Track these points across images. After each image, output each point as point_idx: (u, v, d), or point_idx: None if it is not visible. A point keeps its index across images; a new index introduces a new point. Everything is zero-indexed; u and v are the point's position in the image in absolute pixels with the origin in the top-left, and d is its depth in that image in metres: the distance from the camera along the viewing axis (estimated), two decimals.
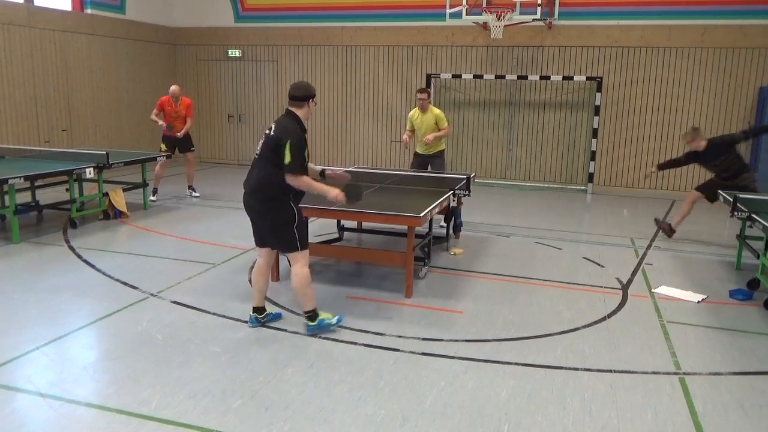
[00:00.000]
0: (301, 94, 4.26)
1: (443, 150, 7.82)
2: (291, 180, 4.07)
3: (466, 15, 10.33)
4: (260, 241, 4.49)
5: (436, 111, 7.55)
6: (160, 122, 9.06)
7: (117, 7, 11.94)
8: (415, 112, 7.68)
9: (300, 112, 4.27)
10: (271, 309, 4.71)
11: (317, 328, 4.39)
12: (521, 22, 10.42)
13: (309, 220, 6.47)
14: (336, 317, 4.49)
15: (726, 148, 7.09)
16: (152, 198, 9.14)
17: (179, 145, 9.30)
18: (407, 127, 7.83)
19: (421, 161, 7.81)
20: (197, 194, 9.70)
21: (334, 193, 4.21)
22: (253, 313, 4.55)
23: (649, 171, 7.84)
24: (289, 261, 4.43)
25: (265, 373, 3.80)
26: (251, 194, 4.27)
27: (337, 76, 12.56)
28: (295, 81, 4.51)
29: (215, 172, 12.45)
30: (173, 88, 9.17)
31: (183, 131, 9.15)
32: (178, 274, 5.72)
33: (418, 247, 5.66)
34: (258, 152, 4.27)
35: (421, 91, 7.56)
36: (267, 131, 4.27)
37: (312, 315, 4.38)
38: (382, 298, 5.23)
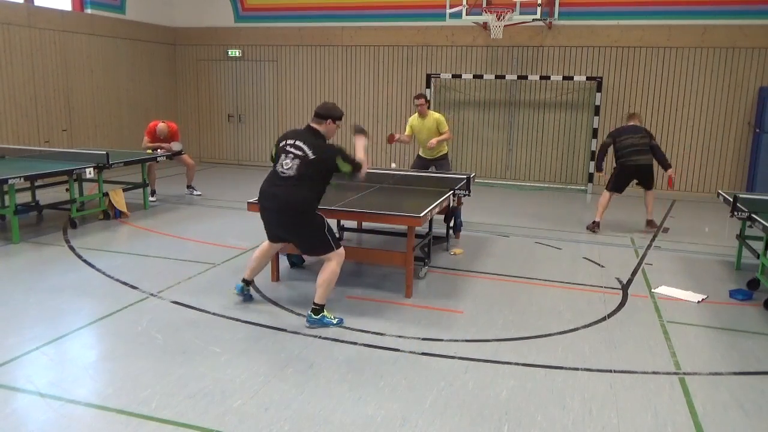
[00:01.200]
0: (323, 113, 4.51)
1: (446, 153, 7.84)
2: (362, 175, 4.57)
3: (466, 15, 10.33)
4: (277, 238, 4.75)
5: (436, 115, 7.56)
6: (160, 151, 9.12)
7: (117, 7, 11.95)
8: (414, 118, 7.69)
9: (321, 129, 4.51)
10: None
11: (318, 323, 4.48)
12: (521, 22, 10.42)
13: None
14: (338, 319, 4.56)
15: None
16: (152, 199, 9.14)
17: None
18: (406, 132, 7.83)
19: (423, 164, 7.82)
20: (198, 192, 9.70)
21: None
22: (242, 282, 4.91)
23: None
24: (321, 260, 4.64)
25: (265, 373, 3.80)
26: (284, 212, 4.42)
27: (337, 76, 12.57)
28: (325, 101, 4.92)
29: (215, 172, 12.45)
30: (160, 126, 9.17)
31: (169, 150, 9.16)
32: (178, 274, 5.72)
33: (418, 247, 5.66)
34: (289, 172, 4.37)
35: (418, 96, 7.57)
36: (293, 150, 4.40)
37: (318, 309, 4.49)
38: (382, 298, 5.23)
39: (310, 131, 4.50)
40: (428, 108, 7.71)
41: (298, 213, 4.39)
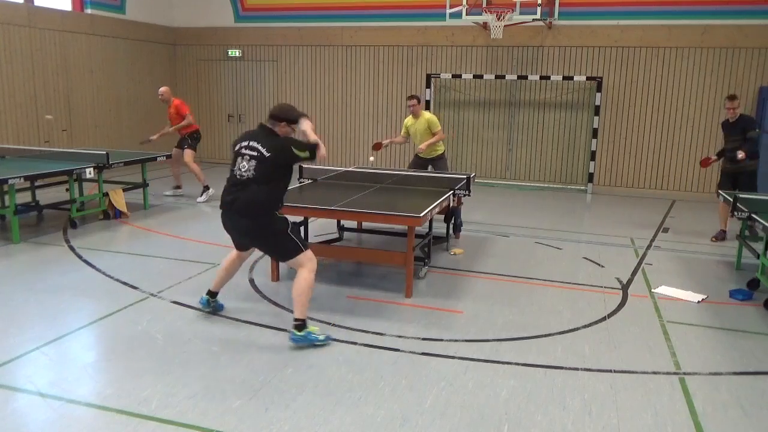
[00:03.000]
0: (277, 113, 4.33)
1: (443, 153, 7.85)
2: (319, 158, 4.35)
3: (466, 15, 10.33)
4: (244, 246, 4.58)
5: (428, 115, 7.59)
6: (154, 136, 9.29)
7: (117, 7, 11.95)
8: (409, 119, 7.74)
9: (276, 131, 4.31)
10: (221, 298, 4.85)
11: (303, 340, 4.17)
12: (521, 22, 10.42)
13: (309, 220, 6.50)
14: (324, 335, 4.26)
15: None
16: (167, 193, 9.46)
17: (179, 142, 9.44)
18: (401, 133, 7.88)
19: (420, 162, 7.83)
20: (168, 193, 9.68)
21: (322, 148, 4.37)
22: (207, 295, 4.70)
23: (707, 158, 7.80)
24: (291, 268, 4.38)
25: (265, 373, 3.80)
26: (245, 216, 4.18)
27: (337, 76, 12.57)
28: (283, 102, 4.73)
29: (215, 173, 12.44)
30: (160, 90, 9.29)
31: (172, 128, 9.24)
32: (178, 274, 5.72)
33: (418, 247, 5.66)
34: (247, 174, 4.14)
35: (410, 97, 7.63)
36: (249, 151, 4.17)
37: (301, 325, 4.17)
38: (382, 298, 5.23)
39: (264, 130, 4.29)
40: (424, 108, 7.73)
41: (259, 215, 4.16)
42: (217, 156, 13.77)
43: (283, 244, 4.24)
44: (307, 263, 4.24)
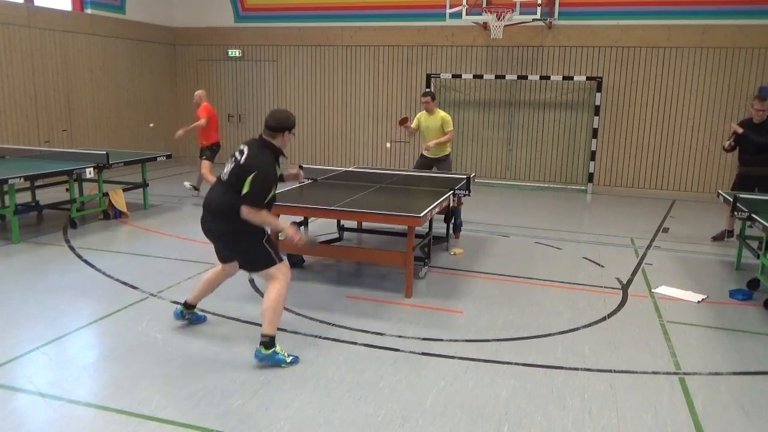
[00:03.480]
0: (275, 124, 3.91)
1: (449, 154, 7.86)
2: (245, 212, 3.75)
3: (466, 15, 10.34)
4: (224, 258, 4.31)
5: (442, 114, 7.61)
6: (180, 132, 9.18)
7: (117, 7, 11.95)
8: (423, 114, 7.74)
9: (275, 142, 3.94)
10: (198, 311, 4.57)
11: (269, 359, 3.86)
12: (521, 22, 10.42)
13: (309, 220, 6.50)
14: (292, 357, 3.93)
15: None
16: (189, 187, 9.62)
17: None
18: (413, 124, 7.87)
19: (426, 162, 7.86)
20: (187, 185, 9.74)
21: (293, 230, 3.92)
22: (181, 305, 4.47)
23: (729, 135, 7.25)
24: (265, 279, 4.05)
25: (265, 373, 3.80)
26: (213, 219, 3.99)
27: (337, 76, 12.56)
28: (275, 108, 4.19)
29: (215, 172, 12.43)
30: (196, 93, 9.23)
31: (181, 130, 9.08)
32: (178, 274, 5.72)
33: (418, 247, 5.66)
34: (225, 177, 3.95)
35: (424, 94, 7.65)
36: (237, 154, 3.94)
37: (268, 342, 3.85)
38: (382, 298, 5.23)
39: (260, 142, 3.95)
40: (435, 106, 7.73)
41: (228, 219, 3.86)
42: (218, 156, 13.72)
43: (253, 253, 3.95)
44: (279, 276, 3.93)
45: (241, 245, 3.99)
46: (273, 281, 3.93)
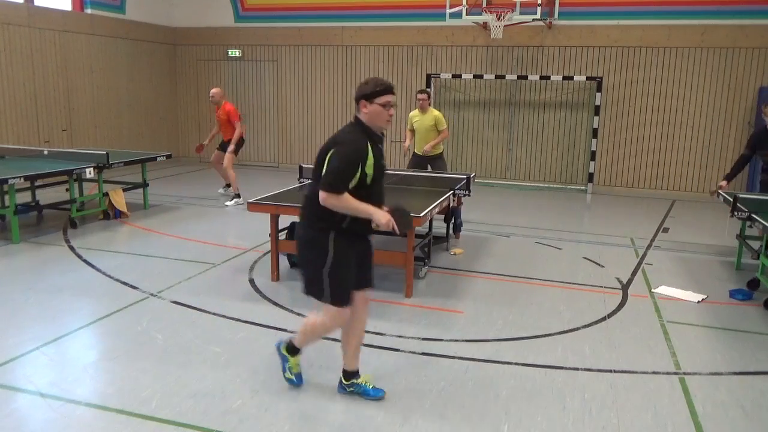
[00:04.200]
0: (355, 95, 3.27)
1: (442, 152, 7.85)
2: (323, 198, 3.09)
3: (466, 15, 10.34)
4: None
5: (436, 113, 7.57)
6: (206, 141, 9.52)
7: (117, 7, 11.95)
8: (415, 113, 7.72)
9: (362, 117, 3.24)
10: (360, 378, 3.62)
11: (280, 357, 3.63)
12: (521, 22, 10.42)
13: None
14: (296, 377, 3.61)
15: None
16: (221, 191, 9.71)
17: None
18: (407, 127, 7.86)
19: (419, 161, 7.82)
20: (221, 190, 9.78)
21: (385, 219, 3.17)
22: (342, 376, 3.59)
23: (715, 188, 6.97)
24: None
25: (265, 373, 3.80)
26: (298, 224, 3.44)
27: (337, 76, 12.56)
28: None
29: (215, 173, 12.43)
30: (211, 91, 9.28)
31: (232, 147, 9.16)
32: (178, 274, 5.72)
33: (418, 247, 5.66)
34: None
35: (420, 91, 7.63)
36: None
37: (292, 349, 3.56)
38: (382, 298, 5.23)
39: (354, 121, 3.30)
40: (429, 105, 7.72)
41: (302, 218, 3.36)
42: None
43: (311, 275, 3.31)
44: (329, 316, 3.32)
45: (304, 260, 3.35)
46: (322, 314, 3.36)
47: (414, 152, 7.88)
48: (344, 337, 3.56)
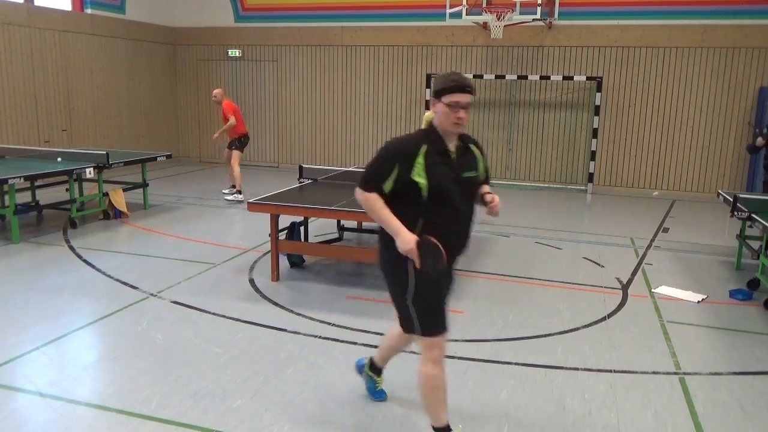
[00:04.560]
0: (431, 92, 2.82)
1: None
2: (357, 192, 2.79)
3: (466, 15, 10.34)
4: None
5: None
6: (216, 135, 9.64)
7: (117, 7, 11.95)
8: (430, 114, 7.73)
9: (435, 118, 2.79)
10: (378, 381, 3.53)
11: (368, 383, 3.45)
12: (521, 22, 10.42)
13: (309, 220, 6.49)
14: (378, 393, 3.44)
15: None
16: (225, 191, 9.71)
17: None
18: (422, 126, 7.86)
19: None
20: (225, 191, 9.79)
21: (407, 245, 2.64)
22: (369, 361, 3.49)
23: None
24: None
25: (265, 373, 3.80)
26: None
27: (337, 76, 12.56)
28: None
29: (216, 172, 12.44)
30: (213, 91, 9.54)
31: (217, 133, 9.48)
32: (178, 274, 5.72)
33: None
34: None
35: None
36: None
37: (375, 369, 3.35)
38: (382, 298, 5.22)
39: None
40: (425, 108, 7.75)
41: (381, 237, 2.88)
42: (218, 156, 13.74)
43: (397, 299, 2.90)
44: (426, 350, 2.86)
45: (385, 279, 2.91)
46: (422, 358, 2.87)
47: None
48: (390, 336, 3.28)
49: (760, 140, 6.92)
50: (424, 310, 2.80)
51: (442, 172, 2.70)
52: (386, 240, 2.78)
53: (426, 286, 2.77)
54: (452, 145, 2.77)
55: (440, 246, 2.65)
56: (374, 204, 2.72)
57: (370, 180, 2.73)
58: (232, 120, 9.22)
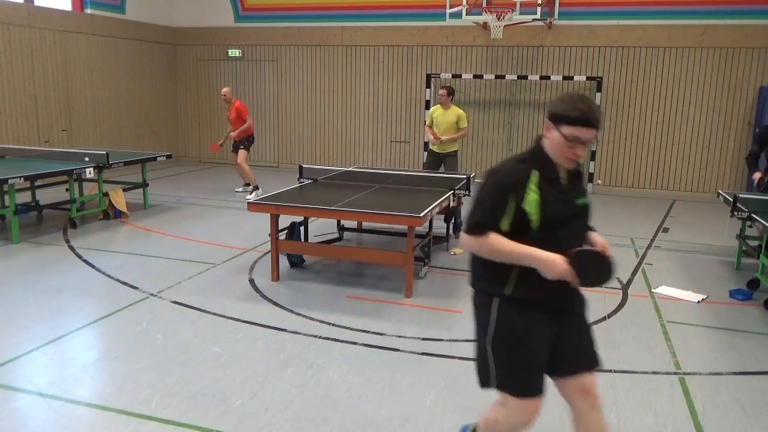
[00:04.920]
0: (548, 112, 2.39)
1: (457, 150, 8.06)
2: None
3: (466, 15, 10.33)
4: None
5: (459, 111, 7.85)
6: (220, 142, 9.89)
7: (117, 7, 11.95)
8: (436, 109, 7.87)
9: (545, 142, 2.38)
10: None
11: None
12: (521, 22, 10.42)
13: (309, 220, 6.49)
14: None
15: None
16: (238, 190, 9.91)
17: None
18: (426, 122, 8.05)
19: (435, 159, 8.00)
20: (239, 189, 9.97)
21: (557, 267, 2.26)
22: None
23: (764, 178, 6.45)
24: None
25: (265, 373, 3.80)
26: None
27: (337, 76, 12.56)
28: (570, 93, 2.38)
29: (216, 172, 12.45)
30: (222, 90, 9.63)
31: (236, 133, 9.57)
32: (178, 274, 5.72)
33: (418, 247, 5.65)
34: None
35: (442, 87, 7.89)
36: None
37: None
38: (382, 298, 5.23)
39: (535, 145, 2.44)
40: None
41: (472, 281, 2.54)
42: (218, 156, 13.74)
43: (477, 349, 2.52)
44: (503, 407, 2.49)
45: (475, 333, 2.53)
46: (494, 408, 2.56)
47: (430, 149, 8.00)
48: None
49: (757, 174, 6.47)
50: (504, 363, 2.40)
51: (555, 200, 2.34)
52: (474, 281, 2.51)
53: (508, 336, 2.38)
54: (563, 170, 2.40)
55: (596, 251, 2.42)
56: (497, 245, 2.31)
57: (485, 222, 2.33)
58: (249, 123, 9.50)
